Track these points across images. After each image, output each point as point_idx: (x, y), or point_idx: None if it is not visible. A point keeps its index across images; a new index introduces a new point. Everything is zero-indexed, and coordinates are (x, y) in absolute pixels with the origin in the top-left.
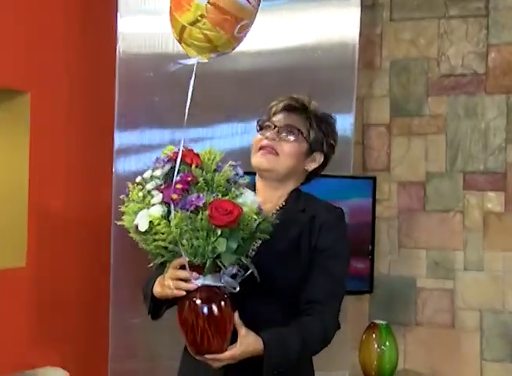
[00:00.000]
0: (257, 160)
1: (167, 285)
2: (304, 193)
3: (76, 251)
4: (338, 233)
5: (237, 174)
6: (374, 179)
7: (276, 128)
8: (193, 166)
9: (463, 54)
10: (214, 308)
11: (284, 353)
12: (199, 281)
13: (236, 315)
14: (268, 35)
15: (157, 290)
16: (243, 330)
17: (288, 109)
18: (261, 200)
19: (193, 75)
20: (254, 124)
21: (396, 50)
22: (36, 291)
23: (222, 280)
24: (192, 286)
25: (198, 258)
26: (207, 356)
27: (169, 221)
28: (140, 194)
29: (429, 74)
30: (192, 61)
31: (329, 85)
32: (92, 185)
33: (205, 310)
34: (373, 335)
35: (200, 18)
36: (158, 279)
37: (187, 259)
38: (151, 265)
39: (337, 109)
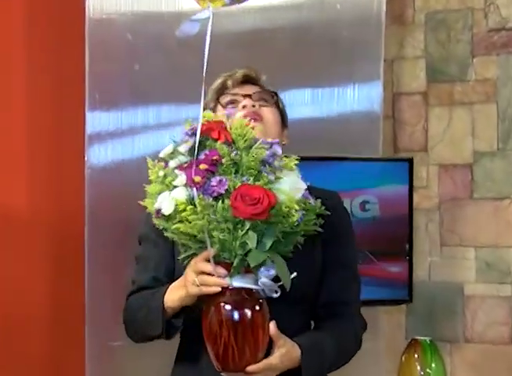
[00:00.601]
0: None
1: (190, 281)
2: None
3: (42, 258)
4: (345, 219)
5: (274, 154)
6: (410, 161)
7: (248, 97)
8: (219, 142)
9: None
10: (244, 316)
11: (322, 359)
12: (228, 280)
13: (273, 325)
14: None
15: (173, 294)
16: (281, 341)
17: (247, 80)
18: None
19: (209, 31)
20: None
21: (433, 0)
22: None
23: (259, 283)
24: (223, 282)
25: (225, 253)
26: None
27: (194, 207)
28: (161, 173)
29: (474, 29)
30: (206, 14)
31: (351, 46)
32: (60, 179)
33: (232, 318)
34: (415, 355)
35: None
36: (173, 284)
37: (212, 252)
38: (181, 256)
39: (360, 75)
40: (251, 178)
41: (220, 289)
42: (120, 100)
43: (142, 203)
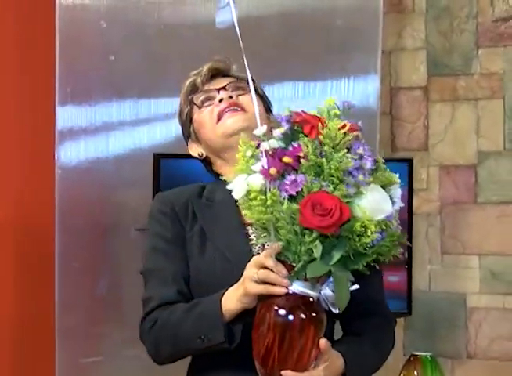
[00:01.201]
0: (227, 123)
1: (250, 276)
2: None
3: (8, 266)
4: None
5: (361, 167)
6: (410, 162)
7: (223, 89)
8: (307, 139)
9: None
10: (294, 325)
11: (364, 366)
12: (294, 286)
13: (324, 340)
14: None
15: (231, 296)
16: (326, 355)
17: (216, 73)
18: (395, 210)
19: (234, 14)
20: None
21: None
22: None
23: (321, 292)
24: (285, 282)
25: (290, 254)
26: None
27: (265, 199)
28: (248, 153)
29: (479, 18)
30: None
31: (346, 35)
32: (29, 179)
33: (281, 324)
34: (415, 373)
35: None
36: (230, 290)
37: (278, 247)
38: (252, 242)
39: (356, 67)
40: (331, 186)
41: (285, 290)
42: (93, 94)
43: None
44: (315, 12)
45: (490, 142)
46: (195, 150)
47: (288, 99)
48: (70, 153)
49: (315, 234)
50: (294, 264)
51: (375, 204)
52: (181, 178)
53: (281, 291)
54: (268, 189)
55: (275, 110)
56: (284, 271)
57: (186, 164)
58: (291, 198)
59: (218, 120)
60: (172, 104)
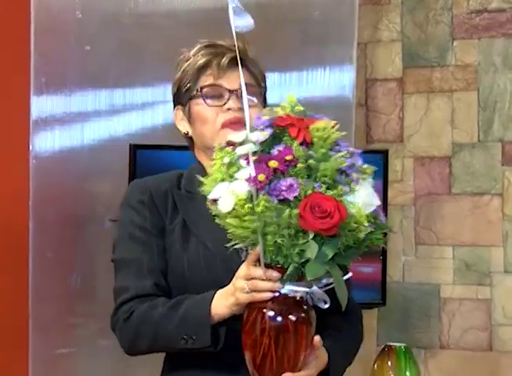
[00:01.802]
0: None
1: (240, 287)
2: None
3: None
4: None
5: (353, 165)
6: (385, 154)
7: (235, 93)
8: (296, 142)
9: None
10: (287, 326)
11: (344, 359)
12: (285, 287)
13: (318, 338)
14: None
15: (221, 303)
16: (319, 351)
17: (235, 63)
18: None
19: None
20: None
21: None
22: None
23: (310, 290)
24: (275, 286)
25: (280, 258)
26: None
27: (253, 206)
28: (226, 160)
29: (454, 10)
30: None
31: (322, 27)
32: (3, 168)
33: (275, 325)
34: (389, 362)
35: None
36: (219, 293)
37: (263, 258)
38: (231, 244)
39: (332, 59)
40: (324, 187)
41: (272, 295)
42: (68, 83)
43: (203, 179)
44: (292, 4)
45: (465, 134)
46: (182, 125)
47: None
48: (44, 143)
49: (311, 236)
50: (284, 266)
51: (366, 199)
52: (157, 169)
53: (268, 295)
54: (255, 196)
55: None
56: (275, 274)
57: (163, 155)
58: (282, 202)
59: (222, 127)
60: (148, 93)
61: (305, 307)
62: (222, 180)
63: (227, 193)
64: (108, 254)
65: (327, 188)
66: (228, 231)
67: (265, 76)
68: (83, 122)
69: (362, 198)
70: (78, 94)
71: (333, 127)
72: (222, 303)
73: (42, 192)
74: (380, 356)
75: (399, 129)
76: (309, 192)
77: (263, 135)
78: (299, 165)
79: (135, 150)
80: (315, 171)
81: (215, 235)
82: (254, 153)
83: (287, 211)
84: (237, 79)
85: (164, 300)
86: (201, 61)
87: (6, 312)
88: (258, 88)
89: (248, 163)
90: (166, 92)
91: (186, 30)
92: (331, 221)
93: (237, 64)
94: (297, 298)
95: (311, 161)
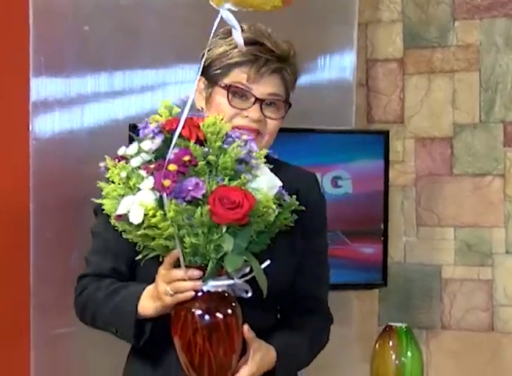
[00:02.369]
0: None
1: (163, 291)
2: (273, 159)
3: None
4: (323, 207)
5: (250, 151)
6: (386, 134)
7: (259, 102)
8: (192, 142)
9: None
10: (218, 321)
11: (296, 360)
12: (202, 284)
13: (247, 327)
14: None
15: (148, 305)
16: (255, 344)
17: (273, 70)
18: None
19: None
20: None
21: None
22: None
23: (232, 282)
24: (197, 285)
25: (198, 258)
26: None
27: (164, 212)
28: (123, 174)
29: None
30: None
31: (322, 7)
32: (3, 151)
33: (205, 324)
34: (390, 343)
35: None
36: (146, 292)
37: (183, 259)
38: (139, 257)
39: (332, 39)
40: (226, 179)
41: (193, 293)
42: (68, 65)
43: (100, 201)
44: None
45: (466, 115)
46: (199, 99)
47: None
48: (44, 125)
49: (223, 229)
50: (204, 264)
51: (269, 183)
52: None
53: (191, 294)
54: (164, 203)
55: None
56: (196, 272)
57: None
58: (190, 203)
59: (236, 127)
60: (147, 76)
61: (232, 300)
62: (123, 195)
63: (134, 205)
64: None
65: (230, 180)
66: (140, 243)
67: (296, 80)
68: (82, 104)
69: (265, 182)
70: (77, 75)
71: (221, 120)
72: (149, 305)
73: (42, 174)
74: (382, 336)
75: (400, 110)
76: (214, 187)
77: (155, 142)
78: (200, 163)
79: (135, 130)
80: (215, 166)
81: None
82: (149, 162)
83: (199, 210)
84: (270, 87)
85: (108, 283)
86: (239, 58)
87: (7, 293)
88: (284, 99)
89: (148, 172)
90: (165, 74)
91: (185, 12)
92: (242, 210)
93: (275, 72)
94: (222, 293)
95: (210, 157)
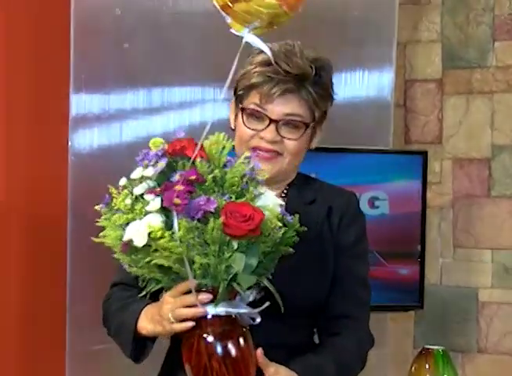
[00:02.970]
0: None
1: (166, 318)
2: (309, 178)
3: (20, 253)
4: (360, 225)
5: (253, 168)
6: (424, 155)
7: (274, 124)
8: (198, 160)
9: None
10: (232, 345)
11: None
12: (209, 308)
13: (260, 351)
14: None
15: (146, 327)
16: (271, 369)
17: (288, 91)
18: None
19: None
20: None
21: None
22: None
23: (239, 309)
24: (200, 311)
25: (208, 279)
26: None
27: (172, 233)
28: (128, 201)
29: (496, 11)
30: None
31: (361, 27)
32: (41, 166)
33: (220, 349)
34: (426, 366)
35: None
36: (144, 311)
37: (195, 282)
38: (143, 294)
39: (371, 59)
40: (233, 196)
41: (194, 323)
42: (107, 81)
43: (96, 240)
44: (331, 4)
45: (504, 136)
46: (231, 118)
47: None
48: (83, 140)
49: (235, 246)
50: (214, 288)
51: (273, 200)
52: None
53: (190, 324)
54: (174, 222)
55: None
56: (206, 296)
57: None
58: (205, 218)
59: (249, 150)
60: (186, 92)
61: (243, 324)
62: (130, 221)
63: (141, 228)
64: None
65: (236, 197)
66: (145, 276)
67: (328, 95)
68: (121, 120)
69: (270, 199)
70: (117, 91)
71: (223, 138)
72: (149, 327)
73: (81, 188)
74: (418, 358)
75: (438, 130)
76: (223, 203)
77: (159, 165)
78: (208, 178)
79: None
80: (221, 183)
81: None
82: (153, 188)
83: (211, 224)
84: (284, 108)
85: (124, 296)
86: (255, 80)
87: (44, 308)
88: (303, 119)
89: (153, 195)
90: (203, 91)
91: (224, 31)
92: (254, 222)
93: (290, 92)
94: (232, 317)
95: (216, 172)
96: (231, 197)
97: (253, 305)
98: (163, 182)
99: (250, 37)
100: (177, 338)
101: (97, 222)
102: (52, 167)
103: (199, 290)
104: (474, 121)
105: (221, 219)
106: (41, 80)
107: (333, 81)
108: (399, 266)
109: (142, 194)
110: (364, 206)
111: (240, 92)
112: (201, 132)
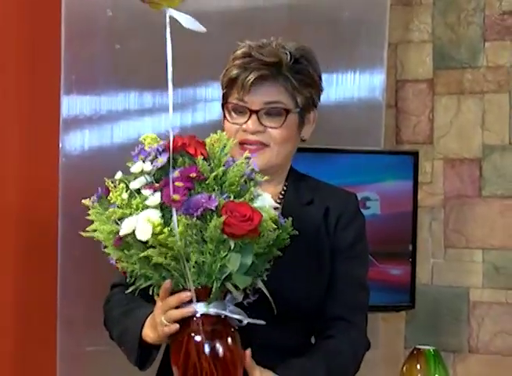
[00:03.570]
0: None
1: (159, 322)
2: (304, 176)
3: (11, 253)
4: (358, 226)
5: (252, 169)
6: (415, 155)
7: (255, 114)
8: (199, 158)
9: None
10: (221, 345)
11: None
12: (201, 307)
13: (248, 353)
14: None
15: (150, 335)
16: (256, 372)
17: (261, 79)
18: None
19: (168, 36)
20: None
21: None
22: None
23: (227, 309)
24: (188, 310)
25: (202, 278)
26: None
27: (171, 229)
28: (124, 196)
29: (486, 11)
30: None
31: (352, 28)
32: (33, 167)
33: (209, 348)
34: (418, 366)
35: None
36: (148, 320)
37: (191, 281)
38: (130, 290)
39: (362, 59)
40: (232, 196)
41: (177, 326)
42: (99, 82)
43: (85, 234)
44: (322, 4)
45: (495, 136)
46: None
47: None
48: (74, 142)
49: (231, 245)
50: (207, 287)
51: (270, 201)
52: None
53: (176, 327)
54: (174, 218)
55: None
56: (184, 295)
57: None
58: (204, 216)
59: (238, 146)
60: (177, 94)
61: (231, 323)
62: (125, 216)
63: (140, 223)
64: None
65: (235, 197)
66: (135, 272)
67: (311, 82)
68: (112, 121)
69: (267, 201)
70: (108, 93)
71: (224, 137)
72: (151, 335)
73: (71, 190)
74: (409, 359)
75: (429, 131)
76: (222, 203)
77: (159, 160)
78: (210, 177)
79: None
80: (222, 181)
81: None
82: (151, 183)
83: (214, 220)
84: (262, 97)
85: (126, 300)
86: (232, 73)
87: (35, 309)
88: (287, 106)
89: (154, 190)
90: (195, 93)
91: (217, 31)
92: (254, 222)
93: (267, 79)
94: (222, 317)
95: (218, 170)
96: (229, 197)
97: (248, 306)
98: (161, 177)
99: (172, 12)
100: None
101: (87, 218)
102: (43, 168)
103: (179, 290)
104: (465, 121)
105: (223, 218)
106: (31, 81)
107: (321, 73)
108: (391, 266)
109: (139, 189)
110: None
111: (224, 91)
112: (192, 133)
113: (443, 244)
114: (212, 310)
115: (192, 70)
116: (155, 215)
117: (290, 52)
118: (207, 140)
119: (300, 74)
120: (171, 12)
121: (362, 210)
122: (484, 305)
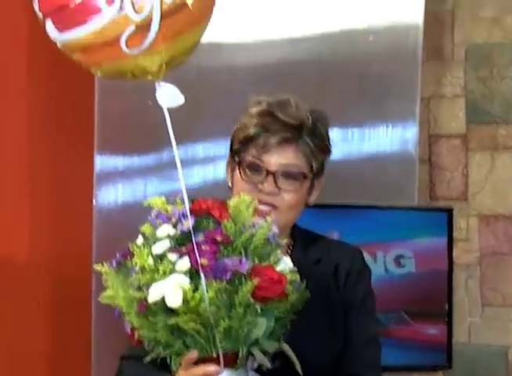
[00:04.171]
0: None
1: None
2: (308, 233)
3: (44, 309)
4: (366, 281)
5: (274, 232)
6: (450, 212)
7: (272, 175)
8: (225, 221)
9: None
10: None
11: None
12: (229, 374)
13: None
14: (300, 16)
15: None
16: None
17: (285, 141)
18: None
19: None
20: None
21: (474, 32)
22: None
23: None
24: None
25: (229, 343)
26: None
27: (200, 295)
28: (151, 260)
29: None
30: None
31: (384, 82)
32: (66, 223)
33: None
34: None
35: None
36: None
37: (220, 349)
38: (148, 359)
39: (394, 114)
40: (256, 259)
41: None
42: (131, 138)
43: (103, 301)
44: (352, 59)
45: None
46: (228, 177)
47: None
48: (107, 197)
49: (258, 309)
50: (234, 352)
51: (290, 264)
52: None
53: None
54: (202, 284)
55: None
56: (211, 368)
57: None
58: (233, 281)
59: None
60: (209, 148)
61: None
62: (151, 281)
63: (170, 289)
64: None
65: (259, 260)
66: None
67: (326, 149)
68: (145, 176)
69: (287, 264)
70: (141, 149)
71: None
72: None
73: (105, 244)
74: None
75: (463, 186)
76: (251, 267)
77: (185, 224)
78: (237, 241)
79: None
80: (248, 244)
81: None
82: (174, 247)
83: (248, 284)
84: (282, 158)
85: (136, 369)
86: (251, 131)
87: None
88: (304, 170)
89: (181, 254)
90: (227, 146)
91: (247, 86)
92: (282, 286)
93: (287, 142)
94: None
95: (246, 233)
96: (254, 260)
97: (267, 372)
98: (183, 241)
99: (158, 86)
100: None
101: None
102: (77, 223)
103: (205, 359)
104: (499, 178)
105: (255, 281)
106: (65, 137)
107: (329, 133)
108: (426, 326)
109: (166, 253)
110: (390, 265)
111: (237, 147)
112: (225, 188)
113: (480, 302)
114: None
115: (222, 124)
116: (185, 281)
117: (310, 116)
118: (230, 203)
119: (317, 140)
120: (158, 86)
121: (397, 269)
122: None
